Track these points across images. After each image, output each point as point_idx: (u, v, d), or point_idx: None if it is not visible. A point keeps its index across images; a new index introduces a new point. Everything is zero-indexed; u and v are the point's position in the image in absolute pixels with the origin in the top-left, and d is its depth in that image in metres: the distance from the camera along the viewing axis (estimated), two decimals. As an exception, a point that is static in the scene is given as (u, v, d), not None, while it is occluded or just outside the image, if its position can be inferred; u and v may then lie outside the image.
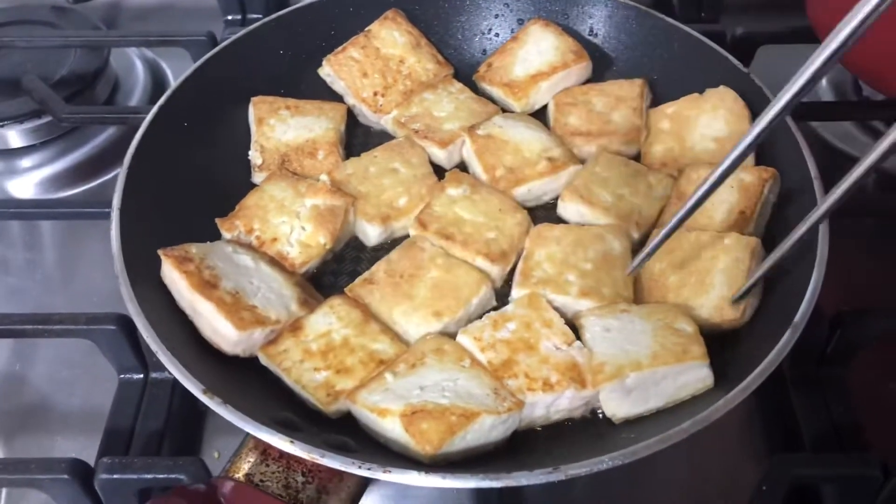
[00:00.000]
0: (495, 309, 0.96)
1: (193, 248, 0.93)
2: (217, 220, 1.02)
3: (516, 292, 0.97)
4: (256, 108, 1.13)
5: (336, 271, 1.03)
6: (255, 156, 1.10)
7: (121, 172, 0.98)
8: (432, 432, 0.78)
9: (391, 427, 0.80)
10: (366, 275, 0.98)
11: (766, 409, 1.03)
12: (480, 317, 0.94)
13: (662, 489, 0.98)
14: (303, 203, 1.02)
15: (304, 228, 1.01)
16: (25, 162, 1.35)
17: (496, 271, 0.99)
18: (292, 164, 1.09)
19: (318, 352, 0.88)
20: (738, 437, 1.02)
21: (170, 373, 1.01)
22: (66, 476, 0.86)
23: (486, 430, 0.81)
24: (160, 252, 0.92)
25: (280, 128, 1.11)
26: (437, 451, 0.77)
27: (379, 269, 0.98)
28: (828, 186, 0.97)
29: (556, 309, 0.93)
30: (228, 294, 0.90)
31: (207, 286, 0.89)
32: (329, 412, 0.85)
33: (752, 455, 1.01)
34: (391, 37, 1.19)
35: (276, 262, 0.99)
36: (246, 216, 1.01)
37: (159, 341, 0.82)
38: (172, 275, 0.90)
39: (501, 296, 1.00)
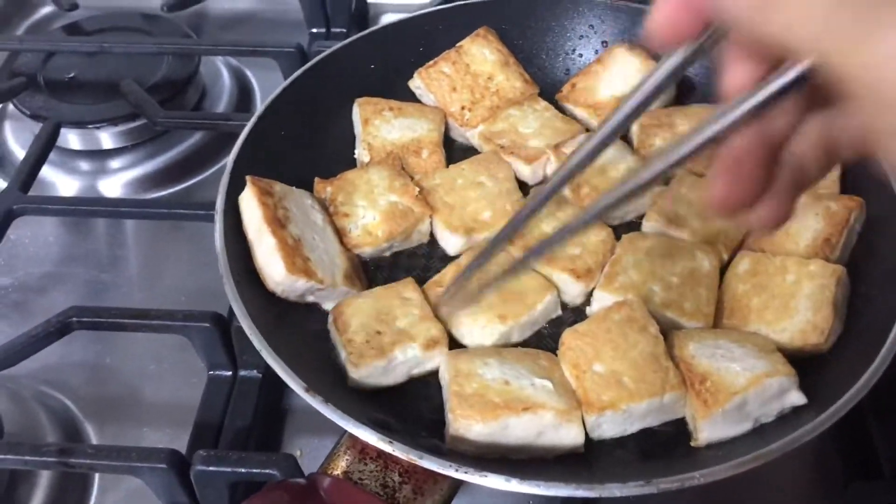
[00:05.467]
0: (560, 317, 1.00)
1: (277, 186, 1.00)
2: (316, 179, 1.08)
3: (599, 294, 0.99)
4: (362, 109, 1.17)
5: (409, 267, 1.08)
6: (362, 153, 1.15)
7: (223, 177, 1.01)
8: None
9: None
10: (436, 277, 1.01)
11: (843, 440, 1.02)
12: (547, 324, 0.99)
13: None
14: (388, 196, 1.06)
15: (375, 218, 1.05)
16: (115, 163, 1.40)
17: (580, 288, 1.01)
18: (398, 161, 1.14)
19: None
20: (813, 466, 1.02)
21: (258, 371, 1.06)
22: (164, 465, 0.89)
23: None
24: (248, 177, 0.98)
25: (385, 128, 1.15)
26: None
27: (447, 272, 1.01)
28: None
29: None
30: (292, 237, 0.95)
31: (277, 223, 0.95)
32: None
33: (828, 484, 1.01)
34: (481, 54, 1.22)
35: (339, 234, 1.04)
36: (339, 186, 1.08)
37: (264, 341, 0.84)
38: (251, 202, 0.96)
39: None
